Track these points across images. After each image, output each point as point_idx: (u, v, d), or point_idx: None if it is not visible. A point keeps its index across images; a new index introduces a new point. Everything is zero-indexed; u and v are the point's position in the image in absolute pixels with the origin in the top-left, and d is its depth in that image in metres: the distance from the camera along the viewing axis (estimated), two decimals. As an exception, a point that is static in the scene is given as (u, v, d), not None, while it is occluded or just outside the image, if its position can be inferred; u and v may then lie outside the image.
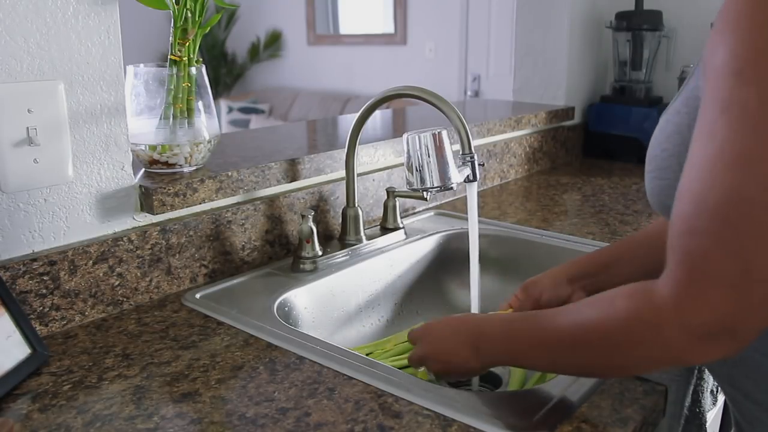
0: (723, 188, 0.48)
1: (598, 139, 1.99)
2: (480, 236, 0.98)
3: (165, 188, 0.93)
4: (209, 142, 1.02)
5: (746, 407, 0.69)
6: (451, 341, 0.73)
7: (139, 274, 0.94)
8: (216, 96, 5.76)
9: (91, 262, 0.89)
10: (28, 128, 0.81)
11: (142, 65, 0.99)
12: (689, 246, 0.50)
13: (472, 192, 0.98)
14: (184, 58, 0.97)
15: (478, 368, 0.72)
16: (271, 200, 1.11)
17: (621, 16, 1.90)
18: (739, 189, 0.47)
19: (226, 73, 6.40)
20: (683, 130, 0.62)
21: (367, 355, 0.97)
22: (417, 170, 0.96)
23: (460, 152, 0.98)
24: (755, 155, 0.47)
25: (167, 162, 0.99)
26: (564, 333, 0.61)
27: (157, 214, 0.94)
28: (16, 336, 0.76)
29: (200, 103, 1.01)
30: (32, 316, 0.84)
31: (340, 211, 1.17)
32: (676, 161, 0.62)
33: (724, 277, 0.48)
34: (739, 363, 0.67)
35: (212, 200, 1.00)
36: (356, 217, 1.15)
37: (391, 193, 1.23)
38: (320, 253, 1.08)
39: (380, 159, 1.28)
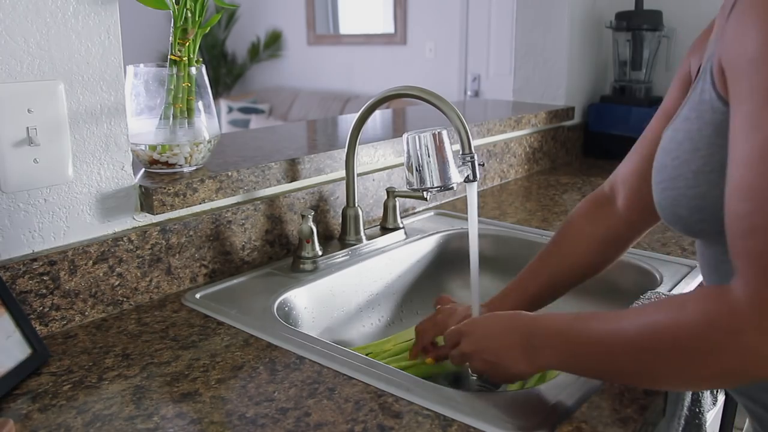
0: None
1: (598, 139, 1.99)
2: (480, 236, 0.97)
3: (165, 188, 0.93)
4: (209, 142, 1.02)
5: (767, 418, 0.67)
6: (500, 340, 0.68)
7: (139, 274, 0.94)
8: (216, 96, 5.76)
9: (91, 262, 0.89)
10: (28, 128, 0.81)
11: (142, 65, 0.99)
12: (756, 245, 0.47)
13: (472, 192, 0.98)
14: (184, 58, 0.97)
15: (527, 371, 0.68)
16: (271, 200, 1.11)
17: (621, 16, 1.90)
18: None
19: (226, 73, 6.40)
20: (694, 136, 0.60)
21: (366, 355, 0.97)
22: (417, 170, 0.95)
23: (460, 152, 0.98)
24: None
25: (167, 162, 0.99)
26: (629, 336, 0.55)
27: (157, 214, 0.94)
28: (16, 336, 0.76)
29: (200, 103, 1.01)
30: (32, 316, 0.84)
31: (340, 211, 1.17)
32: (688, 168, 0.61)
33: None
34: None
35: (212, 200, 1.00)
36: (356, 217, 1.15)
37: (391, 193, 1.23)
38: (320, 253, 1.08)
39: (380, 159, 1.28)
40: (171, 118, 0.98)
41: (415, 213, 1.40)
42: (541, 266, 0.90)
